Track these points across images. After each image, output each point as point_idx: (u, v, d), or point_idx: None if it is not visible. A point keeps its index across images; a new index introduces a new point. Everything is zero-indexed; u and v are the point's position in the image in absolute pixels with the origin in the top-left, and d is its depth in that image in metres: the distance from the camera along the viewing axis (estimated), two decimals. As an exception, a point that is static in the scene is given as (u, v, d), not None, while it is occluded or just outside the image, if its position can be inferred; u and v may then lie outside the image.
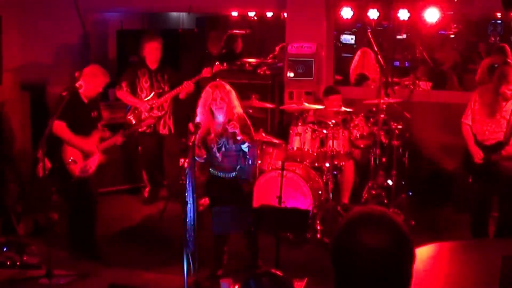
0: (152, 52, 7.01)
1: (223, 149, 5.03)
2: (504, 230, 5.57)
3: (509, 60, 7.98)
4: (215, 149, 5.03)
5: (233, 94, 5.05)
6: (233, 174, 5.12)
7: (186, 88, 6.84)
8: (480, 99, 5.53)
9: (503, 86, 5.30)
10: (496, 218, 5.80)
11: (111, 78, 7.76)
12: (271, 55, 9.38)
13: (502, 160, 5.39)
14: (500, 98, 5.35)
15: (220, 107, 4.95)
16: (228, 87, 5.04)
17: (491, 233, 5.76)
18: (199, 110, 5.03)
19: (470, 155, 5.56)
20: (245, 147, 5.00)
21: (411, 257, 1.66)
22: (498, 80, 5.36)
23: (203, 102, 5.00)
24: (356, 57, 8.35)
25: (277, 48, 9.53)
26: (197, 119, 5.00)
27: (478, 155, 5.48)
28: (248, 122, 5.12)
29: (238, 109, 5.05)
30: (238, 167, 5.11)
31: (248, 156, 5.07)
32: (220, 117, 5.00)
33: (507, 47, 8.47)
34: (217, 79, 5.24)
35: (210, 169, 5.19)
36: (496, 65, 7.14)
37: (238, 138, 4.91)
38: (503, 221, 5.64)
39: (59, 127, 5.33)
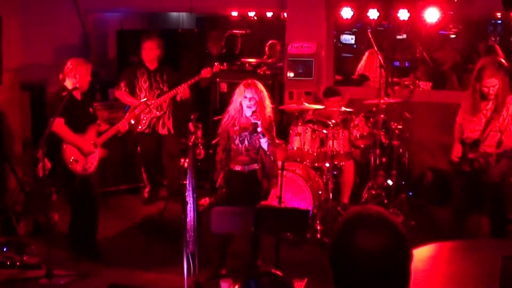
0: (147, 52, 7.00)
1: (246, 142, 5.08)
2: (496, 230, 5.59)
3: (500, 59, 7.97)
4: (237, 141, 5.08)
5: (265, 95, 5.09)
6: (253, 168, 5.12)
7: (181, 92, 6.82)
8: (467, 99, 5.59)
9: (477, 84, 5.37)
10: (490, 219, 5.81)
11: (111, 78, 7.80)
12: (265, 56, 9.39)
13: (479, 157, 5.41)
14: (478, 95, 5.39)
15: (249, 106, 5.00)
16: (261, 87, 5.08)
17: (487, 234, 5.76)
18: (232, 104, 5.12)
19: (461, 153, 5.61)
20: (264, 142, 5.03)
21: (408, 257, 1.66)
22: (475, 79, 5.43)
23: (235, 98, 5.09)
24: (364, 58, 8.33)
25: (266, 47, 9.54)
26: (228, 111, 5.10)
27: (455, 153, 5.55)
28: (273, 125, 5.16)
29: (268, 110, 5.09)
30: (259, 163, 5.12)
31: (268, 153, 5.08)
32: (248, 113, 5.04)
33: (497, 47, 8.46)
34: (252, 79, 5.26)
35: (230, 163, 5.18)
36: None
37: (259, 129, 4.97)
38: (492, 221, 5.67)
39: (58, 124, 5.33)
